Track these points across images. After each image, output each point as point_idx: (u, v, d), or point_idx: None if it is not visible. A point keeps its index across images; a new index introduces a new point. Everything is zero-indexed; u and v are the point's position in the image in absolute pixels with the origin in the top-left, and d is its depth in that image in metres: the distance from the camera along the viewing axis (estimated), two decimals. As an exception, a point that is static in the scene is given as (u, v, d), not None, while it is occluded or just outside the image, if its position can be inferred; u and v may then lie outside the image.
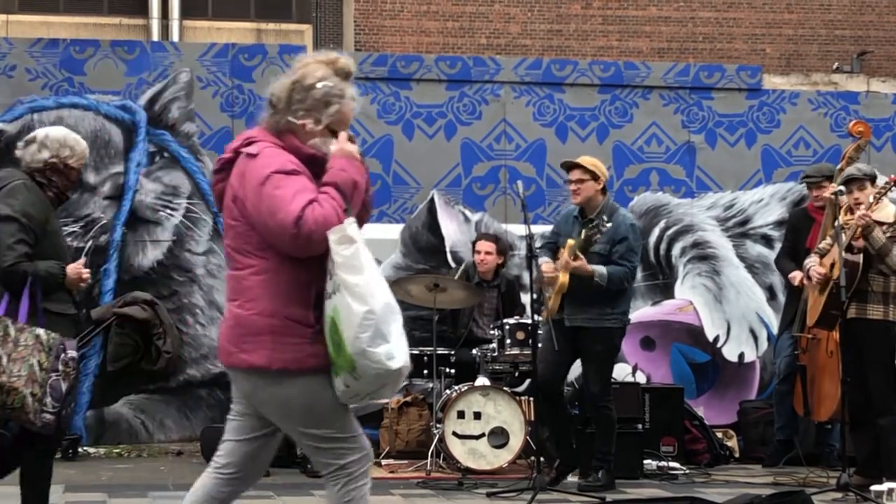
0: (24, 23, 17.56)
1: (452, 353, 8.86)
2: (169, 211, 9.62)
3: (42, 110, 9.50)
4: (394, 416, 8.91)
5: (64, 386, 5.47)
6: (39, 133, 5.76)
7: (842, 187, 7.82)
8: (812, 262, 8.00)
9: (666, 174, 10.36)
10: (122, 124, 9.62)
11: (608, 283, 7.68)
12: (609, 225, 7.50)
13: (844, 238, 7.51)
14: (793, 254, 9.09)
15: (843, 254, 7.44)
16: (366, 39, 18.43)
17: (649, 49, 18.87)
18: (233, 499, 4.32)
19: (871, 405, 7.66)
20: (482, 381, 8.52)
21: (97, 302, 9.39)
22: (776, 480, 8.24)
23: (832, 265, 7.74)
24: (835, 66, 19.25)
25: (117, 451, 9.31)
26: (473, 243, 9.44)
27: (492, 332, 8.73)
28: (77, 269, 5.64)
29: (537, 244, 7.89)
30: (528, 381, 8.86)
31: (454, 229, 10.02)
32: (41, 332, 5.37)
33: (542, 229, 9.00)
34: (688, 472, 8.61)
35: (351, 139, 4.19)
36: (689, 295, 10.29)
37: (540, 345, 7.87)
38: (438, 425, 8.35)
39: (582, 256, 7.63)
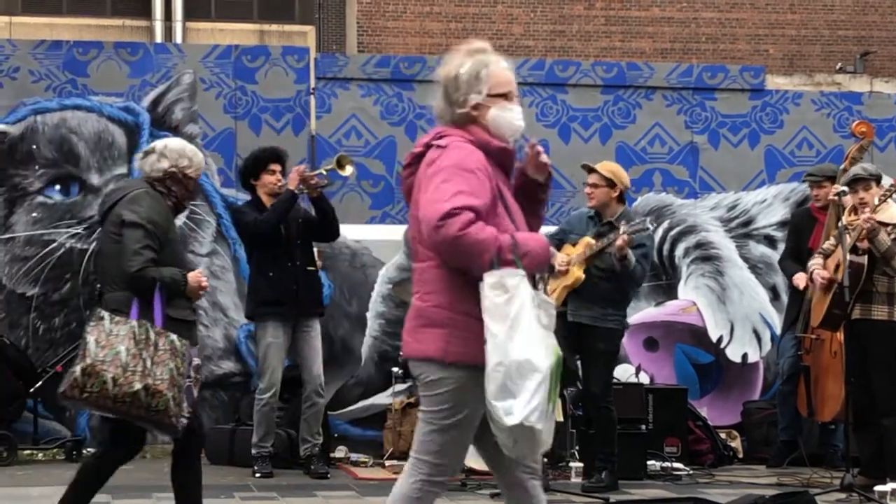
0: (28, 24, 17.56)
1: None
2: (172, 212, 9.61)
3: (45, 112, 9.49)
4: (397, 417, 8.90)
5: (196, 392, 5.59)
6: (158, 144, 5.83)
7: (845, 188, 7.82)
8: (816, 264, 7.99)
9: (669, 175, 10.34)
10: (125, 126, 9.61)
11: (630, 272, 7.65)
12: (650, 229, 7.47)
13: (849, 239, 7.51)
14: (796, 254, 9.09)
15: (848, 255, 7.44)
16: (368, 41, 18.45)
17: (652, 50, 18.87)
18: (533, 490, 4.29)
19: (874, 406, 7.66)
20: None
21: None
22: (780, 481, 8.25)
23: (837, 267, 7.73)
24: (838, 67, 19.24)
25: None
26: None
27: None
28: (197, 277, 5.68)
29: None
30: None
31: (457, 230, 9.99)
32: (175, 337, 5.42)
33: (543, 230, 8.95)
34: (691, 472, 8.61)
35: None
36: (693, 296, 10.27)
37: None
38: (442, 426, 8.33)
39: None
